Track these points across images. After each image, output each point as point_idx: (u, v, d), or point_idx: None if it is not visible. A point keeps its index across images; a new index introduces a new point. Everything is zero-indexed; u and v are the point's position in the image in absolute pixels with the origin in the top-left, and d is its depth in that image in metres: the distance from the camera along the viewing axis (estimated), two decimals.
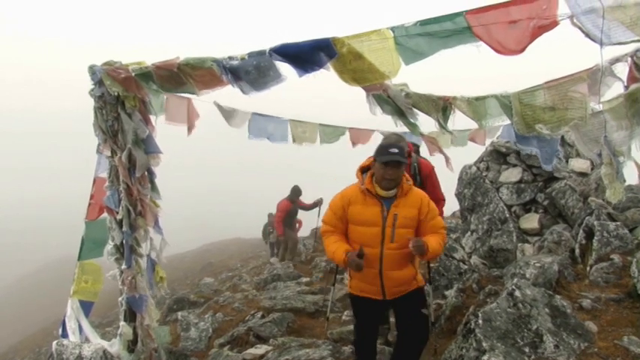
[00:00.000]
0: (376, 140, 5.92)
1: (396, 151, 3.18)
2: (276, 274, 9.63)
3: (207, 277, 17.42)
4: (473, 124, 2.81)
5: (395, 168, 3.20)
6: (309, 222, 11.82)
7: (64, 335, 3.95)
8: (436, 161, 5.20)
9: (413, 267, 3.47)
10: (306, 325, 5.90)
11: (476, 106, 2.47)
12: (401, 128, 3.02)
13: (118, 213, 3.56)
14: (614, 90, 2.15)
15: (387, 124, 3.60)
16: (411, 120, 2.57)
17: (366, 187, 3.33)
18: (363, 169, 3.52)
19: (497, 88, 2.60)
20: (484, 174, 7.76)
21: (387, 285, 3.38)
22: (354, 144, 6.39)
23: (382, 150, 3.25)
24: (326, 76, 2.68)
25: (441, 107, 2.48)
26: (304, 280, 8.91)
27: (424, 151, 5.84)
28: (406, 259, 3.40)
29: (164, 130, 3.92)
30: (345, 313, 6.13)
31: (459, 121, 2.71)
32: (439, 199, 4.41)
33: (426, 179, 4.45)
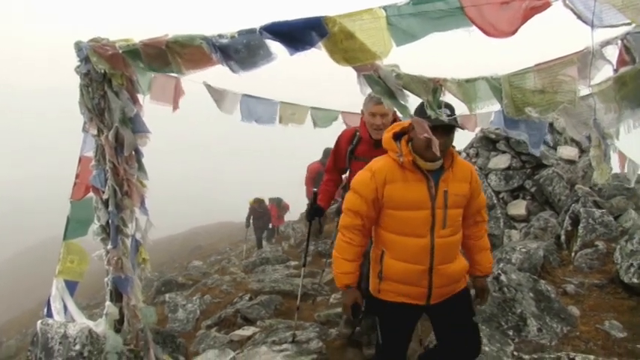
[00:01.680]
0: None
1: (447, 112, 2.46)
2: (265, 257, 9.69)
3: (196, 259, 17.48)
4: (461, 109, 2.79)
5: (446, 135, 2.49)
6: (298, 206, 11.81)
7: (49, 315, 3.92)
8: None
9: (463, 257, 2.76)
10: (294, 307, 5.95)
11: (466, 89, 2.45)
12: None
13: (104, 192, 3.51)
14: (604, 73, 2.15)
15: None
16: (401, 101, 2.55)
17: (407, 158, 2.55)
18: (396, 135, 2.70)
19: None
20: (473, 160, 7.80)
21: (436, 284, 2.57)
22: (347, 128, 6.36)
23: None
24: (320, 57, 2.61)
25: (432, 89, 2.46)
26: (293, 263, 8.96)
27: None
28: (458, 247, 2.70)
29: (154, 112, 3.85)
30: (333, 296, 6.18)
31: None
32: None
33: None
